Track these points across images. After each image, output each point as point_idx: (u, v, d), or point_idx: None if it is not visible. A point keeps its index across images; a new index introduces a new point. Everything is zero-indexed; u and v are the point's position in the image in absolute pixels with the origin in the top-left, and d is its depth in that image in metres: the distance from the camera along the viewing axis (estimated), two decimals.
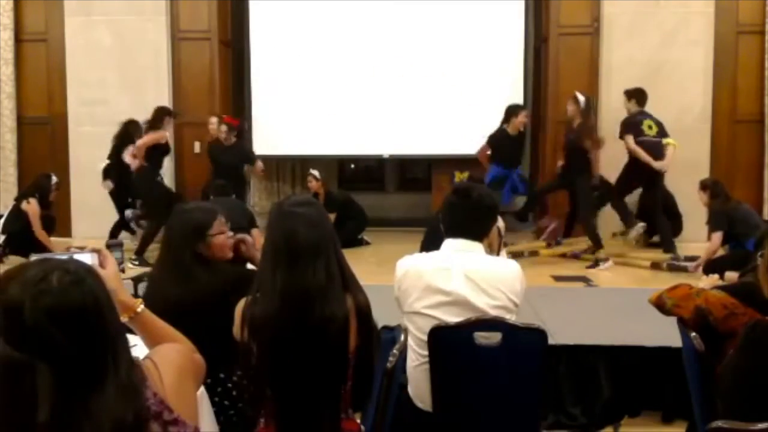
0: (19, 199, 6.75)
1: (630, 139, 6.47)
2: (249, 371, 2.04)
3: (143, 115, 7.10)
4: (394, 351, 2.18)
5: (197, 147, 8.13)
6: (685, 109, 7.60)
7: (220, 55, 8.19)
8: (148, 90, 7.83)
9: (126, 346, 1.32)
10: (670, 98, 7.23)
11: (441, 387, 2.45)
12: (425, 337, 2.43)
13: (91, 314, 1.25)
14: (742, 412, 1.72)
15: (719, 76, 7.74)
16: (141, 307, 1.76)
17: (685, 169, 7.06)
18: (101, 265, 1.73)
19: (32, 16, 8.24)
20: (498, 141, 6.74)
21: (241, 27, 8.79)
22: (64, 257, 1.41)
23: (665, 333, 2.82)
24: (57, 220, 7.09)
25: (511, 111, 6.74)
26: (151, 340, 1.75)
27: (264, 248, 2.11)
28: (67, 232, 7.91)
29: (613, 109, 7.23)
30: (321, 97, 8.53)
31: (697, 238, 6.78)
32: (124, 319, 1.69)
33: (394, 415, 2.27)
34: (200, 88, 8.12)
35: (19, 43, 8.21)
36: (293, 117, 8.54)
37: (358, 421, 2.22)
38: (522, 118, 6.74)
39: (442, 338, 2.40)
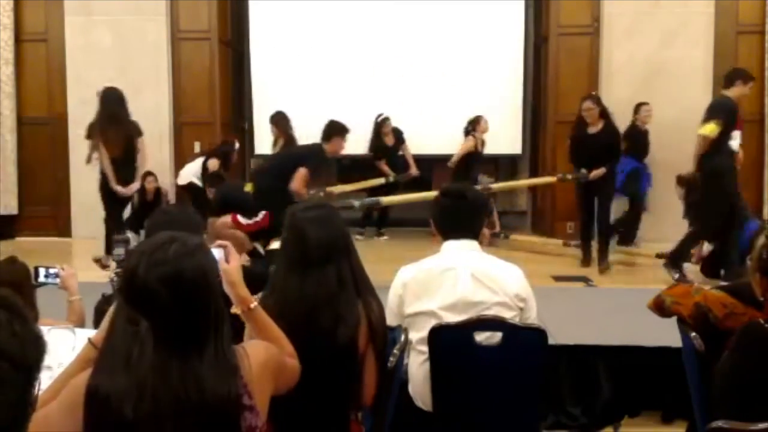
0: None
1: None
2: None
3: (143, 116, 7.06)
4: (395, 351, 2.19)
5: (197, 147, 8.13)
6: (685, 108, 7.57)
7: (220, 55, 8.18)
8: (148, 90, 7.82)
9: (228, 329, 1.46)
10: (670, 98, 7.23)
11: (441, 387, 2.45)
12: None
13: (196, 285, 1.41)
14: (736, 413, 1.72)
15: (719, 76, 7.72)
16: (254, 304, 1.82)
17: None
18: (226, 259, 1.82)
19: (32, 16, 8.23)
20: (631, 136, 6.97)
21: (241, 27, 8.79)
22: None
23: (665, 333, 2.81)
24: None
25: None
26: (259, 337, 1.82)
27: (279, 252, 2.15)
28: (67, 232, 7.91)
29: (612, 110, 7.21)
30: (321, 97, 8.51)
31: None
32: (237, 311, 1.80)
33: (394, 415, 2.27)
34: (200, 88, 8.12)
35: (19, 43, 8.20)
36: (293, 117, 8.49)
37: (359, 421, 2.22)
38: (646, 112, 7.16)
39: (442, 338, 2.40)
